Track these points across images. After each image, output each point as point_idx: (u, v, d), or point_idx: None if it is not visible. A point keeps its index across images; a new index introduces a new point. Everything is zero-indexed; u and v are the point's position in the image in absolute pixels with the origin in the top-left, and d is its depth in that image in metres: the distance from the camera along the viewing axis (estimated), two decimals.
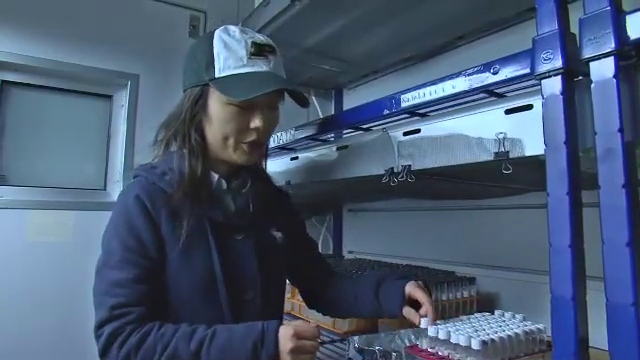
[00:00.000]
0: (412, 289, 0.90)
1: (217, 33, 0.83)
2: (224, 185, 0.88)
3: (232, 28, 0.85)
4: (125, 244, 0.77)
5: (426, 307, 0.86)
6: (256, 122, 0.82)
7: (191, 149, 0.84)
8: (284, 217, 0.99)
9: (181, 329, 0.73)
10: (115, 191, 1.75)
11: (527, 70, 0.65)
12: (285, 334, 0.72)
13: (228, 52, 0.81)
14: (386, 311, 0.93)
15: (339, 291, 1.02)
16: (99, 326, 0.73)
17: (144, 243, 0.78)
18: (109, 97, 1.81)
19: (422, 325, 0.83)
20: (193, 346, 0.71)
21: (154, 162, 0.88)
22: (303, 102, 0.87)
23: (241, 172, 0.91)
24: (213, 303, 0.80)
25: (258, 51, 0.82)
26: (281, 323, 0.75)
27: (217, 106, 0.82)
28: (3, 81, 1.60)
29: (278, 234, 0.93)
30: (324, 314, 1.11)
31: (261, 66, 0.82)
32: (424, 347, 0.81)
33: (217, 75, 0.81)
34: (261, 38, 0.85)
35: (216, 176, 0.88)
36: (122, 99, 1.80)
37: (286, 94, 0.87)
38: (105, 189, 1.77)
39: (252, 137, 0.83)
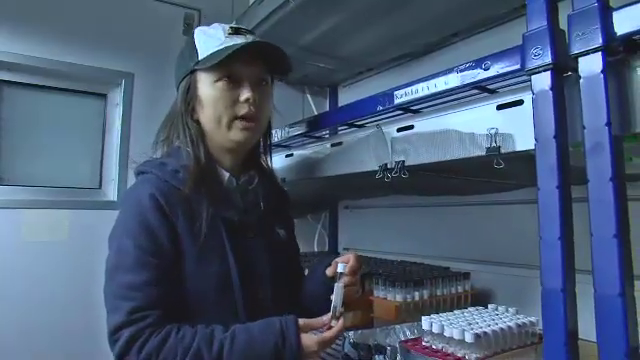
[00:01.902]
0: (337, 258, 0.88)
1: (198, 28, 0.89)
2: (234, 183, 0.88)
3: (213, 23, 0.89)
4: (139, 244, 0.75)
5: (347, 257, 0.85)
6: (245, 93, 0.83)
7: (191, 138, 0.85)
8: (284, 216, 1.00)
9: (200, 331, 0.73)
10: (110, 190, 1.75)
11: (517, 66, 0.66)
12: (309, 345, 0.75)
13: (207, 37, 0.86)
14: (317, 286, 0.90)
15: (304, 293, 0.97)
16: (116, 330, 0.71)
17: (159, 240, 0.76)
18: (103, 96, 1.79)
19: (339, 269, 0.83)
20: (215, 348, 0.71)
21: (163, 159, 0.87)
22: (283, 67, 0.88)
23: (248, 168, 0.91)
24: (228, 302, 0.80)
25: (235, 31, 0.86)
26: (297, 321, 0.76)
27: (206, 87, 0.84)
28: None
29: (282, 232, 0.94)
30: None
31: (237, 41, 0.85)
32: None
33: (199, 58, 0.85)
34: (240, 26, 0.90)
35: (226, 174, 0.88)
36: (117, 98, 1.79)
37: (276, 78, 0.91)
38: (100, 188, 1.76)
39: (244, 110, 0.84)
